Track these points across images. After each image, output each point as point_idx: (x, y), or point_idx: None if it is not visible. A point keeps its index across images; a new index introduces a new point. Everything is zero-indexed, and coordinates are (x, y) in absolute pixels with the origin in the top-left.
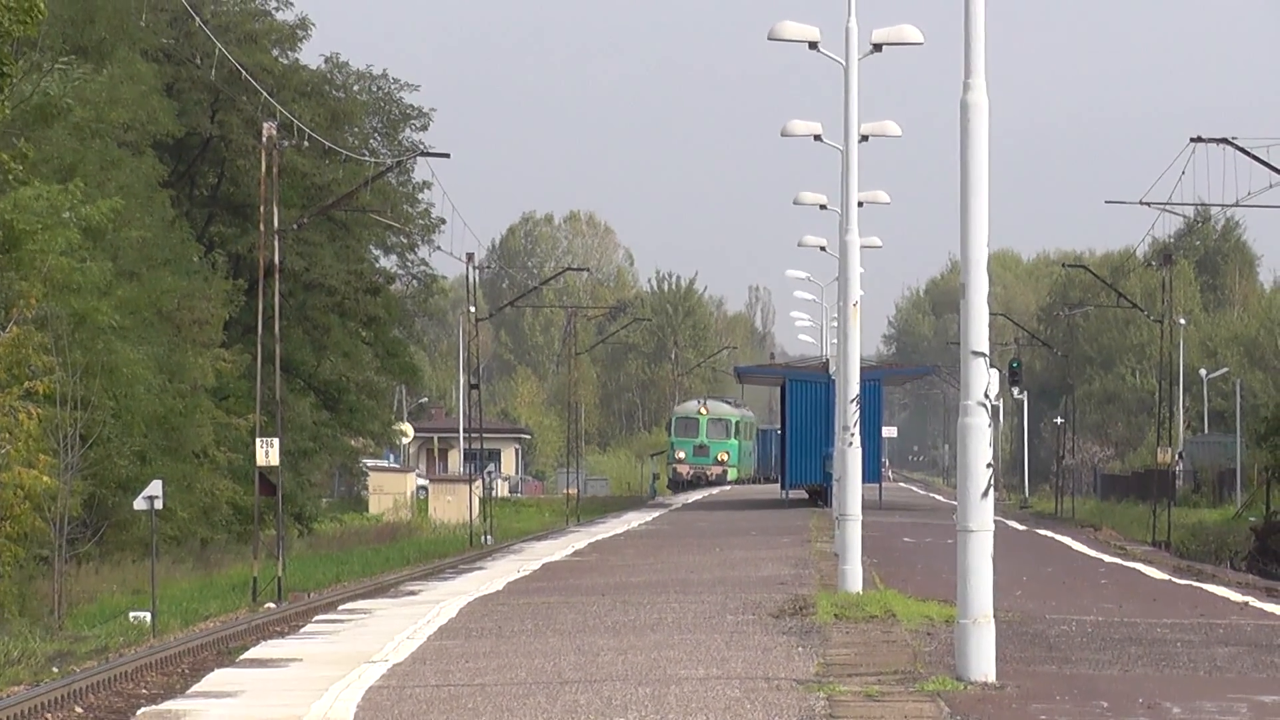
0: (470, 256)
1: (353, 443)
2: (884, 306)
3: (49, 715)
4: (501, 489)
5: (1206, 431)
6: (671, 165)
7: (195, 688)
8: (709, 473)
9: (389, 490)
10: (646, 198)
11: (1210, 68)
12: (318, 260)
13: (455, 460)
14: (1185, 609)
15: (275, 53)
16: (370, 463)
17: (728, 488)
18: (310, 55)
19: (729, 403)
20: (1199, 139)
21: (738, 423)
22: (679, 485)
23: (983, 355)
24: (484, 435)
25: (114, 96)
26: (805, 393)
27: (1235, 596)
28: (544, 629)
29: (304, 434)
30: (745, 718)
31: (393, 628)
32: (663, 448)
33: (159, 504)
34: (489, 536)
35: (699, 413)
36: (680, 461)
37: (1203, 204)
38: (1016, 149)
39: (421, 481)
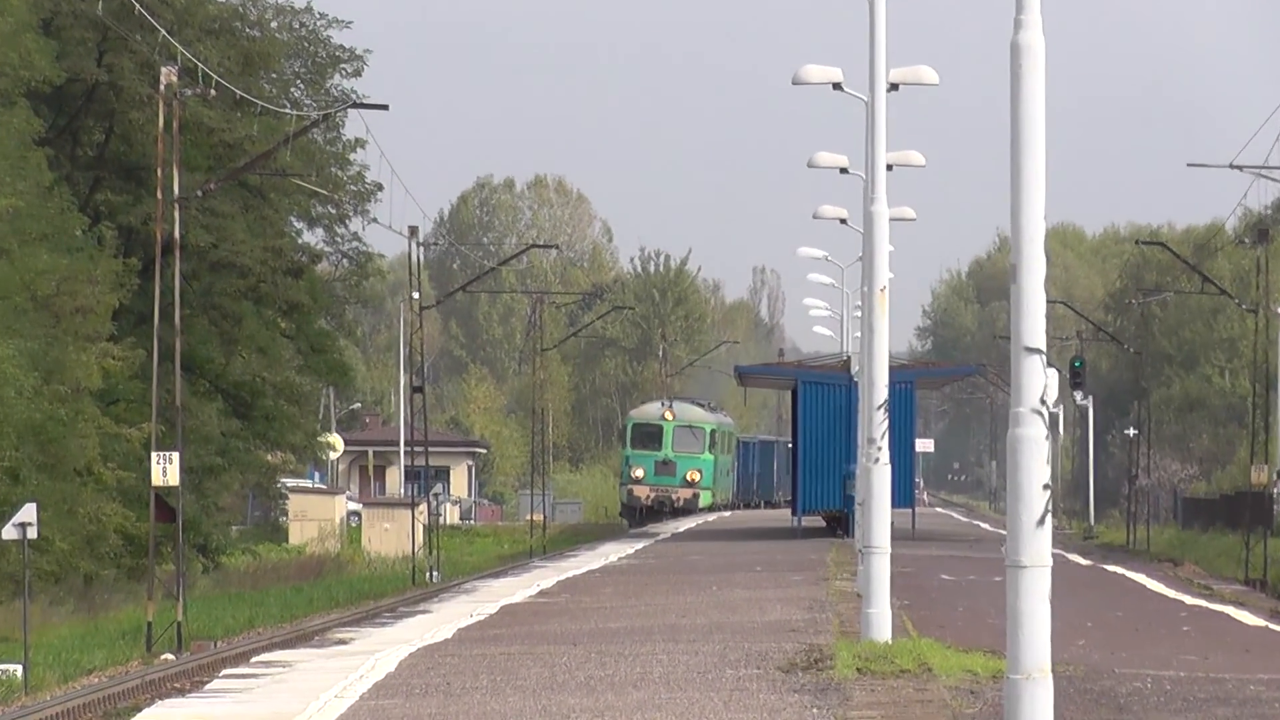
0: (413, 230)
1: (269, 458)
2: (918, 292)
3: None
4: (451, 514)
5: None
6: (658, 120)
7: None
8: (675, 496)
9: (313, 516)
10: (628, 159)
11: None
12: (227, 235)
13: (394, 480)
14: None
15: None
16: (291, 483)
17: (710, 517)
18: None
19: (702, 405)
20: None
21: (713, 431)
22: (636, 514)
23: (1038, 352)
24: (429, 449)
25: None
26: (822, 397)
27: None
28: (503, 686)
29: (210, 447)
30: None
31: (318, 684)
32: None
33: (32, 532)
34: (435, 573)
35: (663, 418)
36: (637, 481)
37: None
38: (1080, 103)
39: (353, 506)
